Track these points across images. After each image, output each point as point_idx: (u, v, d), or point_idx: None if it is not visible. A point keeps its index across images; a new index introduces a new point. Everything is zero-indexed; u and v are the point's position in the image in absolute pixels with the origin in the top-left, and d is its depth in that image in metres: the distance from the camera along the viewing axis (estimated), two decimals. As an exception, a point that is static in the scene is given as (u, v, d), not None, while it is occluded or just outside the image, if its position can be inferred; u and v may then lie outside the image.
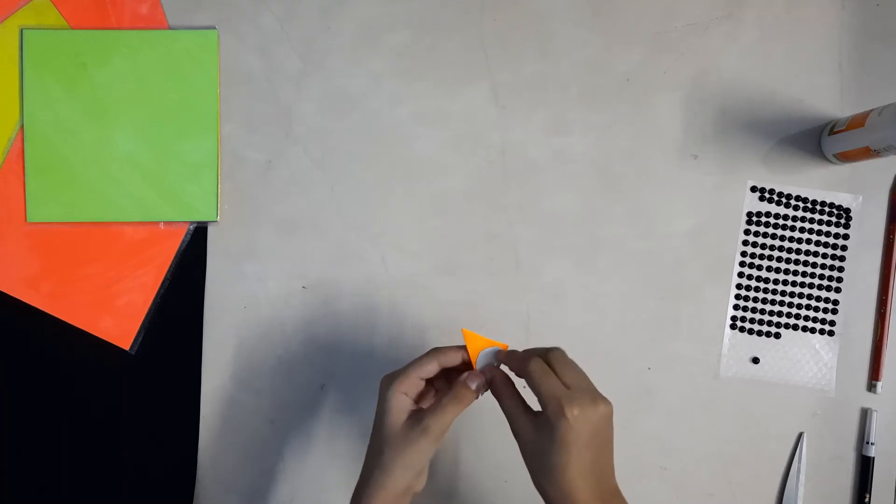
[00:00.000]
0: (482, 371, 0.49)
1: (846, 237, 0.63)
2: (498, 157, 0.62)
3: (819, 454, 0.62)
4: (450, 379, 0.49)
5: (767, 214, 0.62)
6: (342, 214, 0.62)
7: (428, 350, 0.49)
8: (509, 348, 0.50)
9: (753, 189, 0.63)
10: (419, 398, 0.49)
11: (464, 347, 0.49)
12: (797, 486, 0.61)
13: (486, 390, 0.49)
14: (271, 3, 0.62)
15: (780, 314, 0.62)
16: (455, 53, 0.62)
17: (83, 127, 0.61)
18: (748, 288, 0.62)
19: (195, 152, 0.61)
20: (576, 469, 0.43)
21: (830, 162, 0.62)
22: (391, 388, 0.47)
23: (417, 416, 0.46)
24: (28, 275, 0.60)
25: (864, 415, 0.62)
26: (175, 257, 0.61)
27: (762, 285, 0.62)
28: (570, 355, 0.62)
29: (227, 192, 0.62)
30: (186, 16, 0.62)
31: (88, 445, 0.61)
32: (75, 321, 0.61)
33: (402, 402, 0.47)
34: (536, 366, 0.45)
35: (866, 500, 0.61)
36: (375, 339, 0.62)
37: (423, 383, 0.49)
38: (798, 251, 0.63)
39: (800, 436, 0.62)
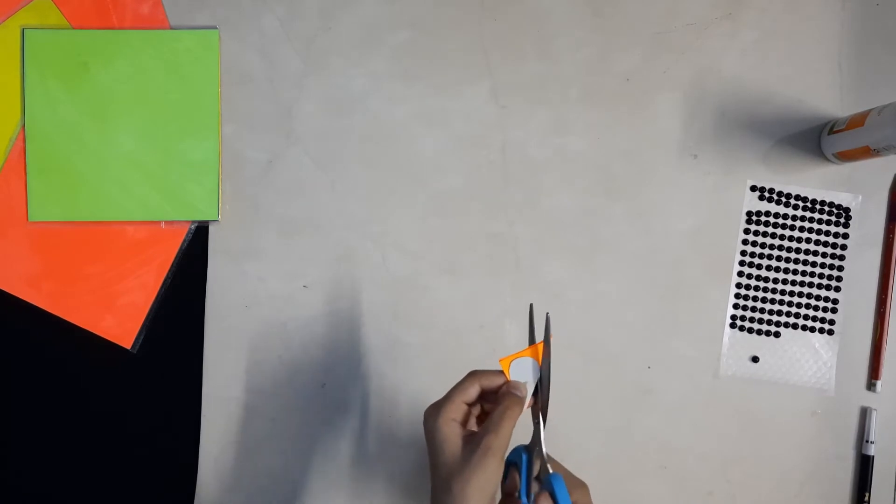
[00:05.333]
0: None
1: (846, 236, 0.63)
2: (498, 157, 0.62)
3: (819, 453, 0.62)
4: (488, 400, 0.48)
5: (767, 214, 0.63)
6: (343, 214, 0.62)
7: (466, 375, 0.48)
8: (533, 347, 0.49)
9: (753, 188, 0.63)
10: (464, 423, 0.47)
11: (501, 372, 0.48)
12: None
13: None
14: (272, 4, 0.62)
15: (779, 313, 0.62)
16: (455, 53, 0.62)
17: (84, 127, 0.61)
18: (748, 287, 0.62)
19: (196, 152, 0.61)
20: None
21: (830, 161, 0.62)
22: (441, 417, 0.45)
23: (473, 440, 0.44)
24: (29, 274, 0.61)
25: (864, 414, 0.62)
26: (176, 257, 0.61)
27: (762, 284, 0.62)
28: (571, 354, 0.62)
29: (228, 192, 0.62)
30: (188, 16, 0.62)
31: (89, 445, 0.61)
32: (77, 320, 0.61)
33: (454, 429, 0.45)
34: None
35: (866, 499, 0.61)
36: (376, 339, 0.62)
37: (466, 408, 0.47)
38: (798, 250, 0.63)
39: None
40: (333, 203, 0.62)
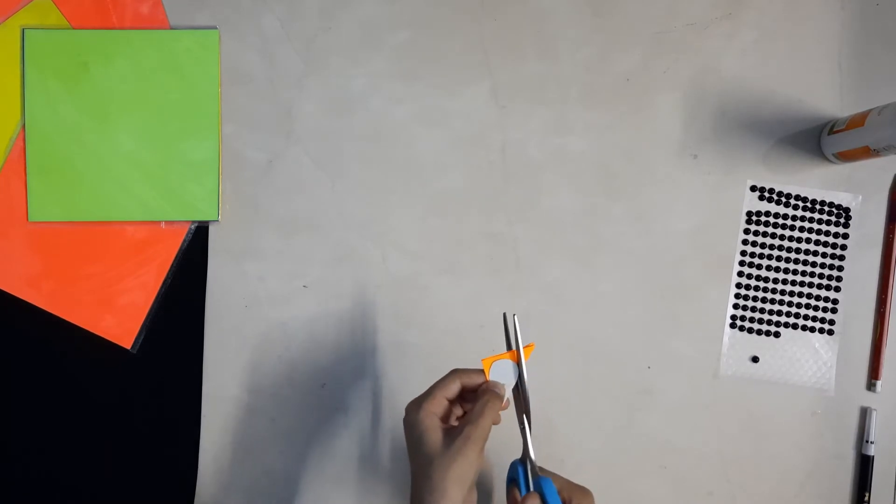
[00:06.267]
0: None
1: (846, 236, 0.63)
2: (498, 157, 0.62)
3: (819, 453, 0.62)
4: (468, 400, 0.50)
5: (767, 214, 0.63)
6: (343, 214, 0.62)
7: (448, 372, 0.50)
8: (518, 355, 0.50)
9: (753, 188, 0.63)
10: (444, 419, 0.48)
11: (482, 371, 0.50)
12: None
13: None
14: (272, 3, 0.62)
15: (779, 313, 0.62)
16: (455, 53, 0.62)
17: (84, 127, 0.61)
18: (748, 287, 0.62)
19: (196, 152, 0.61)
20: None
21: (830, 161, 0.62)
22: (422, 411, 0.47)
23: (453, 432, 0.46)
24: (30, 274, 0.61)
25: (864, 414, 0.62)
26: (176, 257, 0.61)
27: (762, 284, 0.62)
28: (571, 355, 0.62)
29: (228, 192, 0.62)
30: (187, 16, 0.62)
31: (89, 444, 0.61)
32: (77, 320, 0.61)
33: (434, 421, 0.47)
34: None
35: (866, 498, 0.61)
36: (376, 339, 0.62)
37: (447, 404, 0.48)
38: (798, 250, 0.63)
39: None
40: (333, 203, 0.62)
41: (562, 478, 0.50)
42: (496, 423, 0.48)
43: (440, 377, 0.49)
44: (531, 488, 0.48)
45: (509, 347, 0.51)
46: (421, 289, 0.62)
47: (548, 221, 0.62)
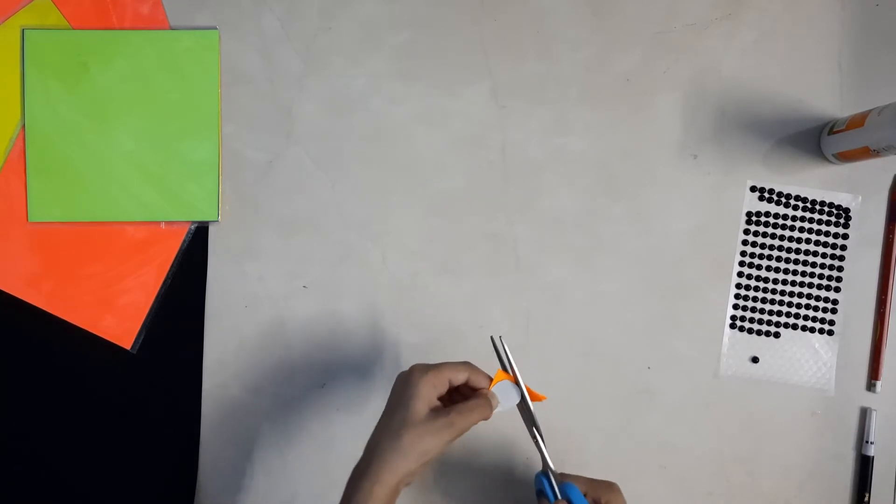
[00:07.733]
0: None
1: (845, 237, 0.63)
2: (498, 157, 0.62)
3: (819, 453, 0.62)
4: (463, 395, 0.51)
5: (767, 214, 0.63)
6: (343, 214, 0.62)
7: (462, 360, 0.50)
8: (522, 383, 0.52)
9: (753, 189, 0.63)
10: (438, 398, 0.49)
11: (489, 378, 0.51)
12: None
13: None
14: (272, 4, 0.62)
15: (779, 314, 0.62)
16: (455, 53, 0.62)
17: (84, 127, 0.61)
18: (748, 287, 0.62)
19: (196, 152, 0.61)
20: None
21: (830, 162, 0.62)
22: (425, 377, 0.48)
23: (441, 411, 0.47)
24: (29, 274, 0.61)
25: (864, 414, 0.62)
26: (176, 257, 0.61)
27: (762, 285, 0.62)
28: (571, 355, 0.63)
29: (228, 192, 0.62)
30: (187, 16, 0.62)
31: (89, 445, 0.61)
32: (76, 320, 0.61)
33: (430, 392, 0.47)
34: None
35: (866, 499, 0.61)
36: (376, 339, 0.62)
37: (447, 386, 0.49)
38: (798, 251, 0.63)
39: None
40: (333, 203, 0.62)
41: (585, 478, 0.51)
42: (477, 422, 0.49)
43: (454, 361, 0.50)
44: (557, 496, 0.50)
45: (504, 368, 0.52)
46: (421, 289, 0.62)
47: (548, 221, 0.62)
